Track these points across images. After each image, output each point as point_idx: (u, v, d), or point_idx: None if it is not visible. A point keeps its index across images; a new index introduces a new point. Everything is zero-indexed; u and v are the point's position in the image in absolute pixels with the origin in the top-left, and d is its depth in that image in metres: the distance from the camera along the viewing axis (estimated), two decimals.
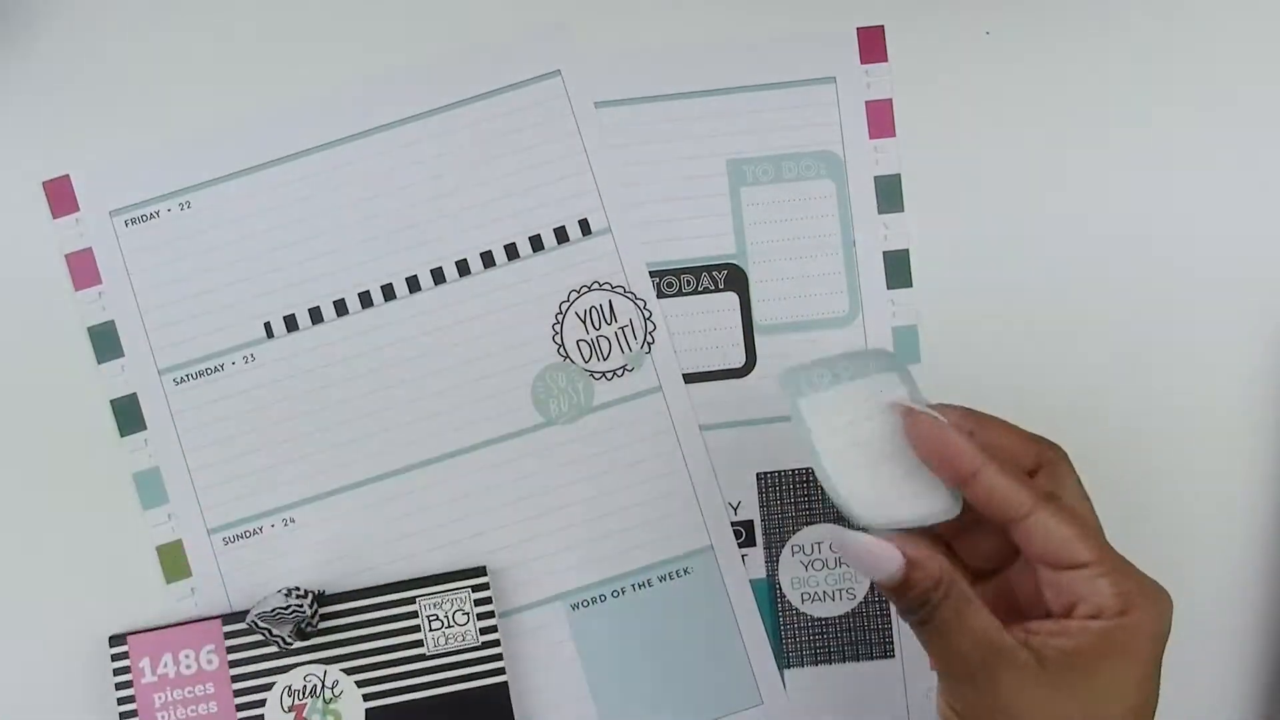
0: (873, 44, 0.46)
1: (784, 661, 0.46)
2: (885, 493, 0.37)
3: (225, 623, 0.45)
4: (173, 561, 0.46)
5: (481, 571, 0.45)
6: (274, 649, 0.45)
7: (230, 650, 0.45)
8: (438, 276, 0.46)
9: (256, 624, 0.43)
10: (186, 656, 0.45)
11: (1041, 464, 0.38)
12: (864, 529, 0.36)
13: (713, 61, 0.46)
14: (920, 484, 0.37)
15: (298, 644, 0.44)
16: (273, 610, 0.43)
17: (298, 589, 0.44)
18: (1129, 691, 0.35)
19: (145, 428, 0.46)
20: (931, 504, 0.37)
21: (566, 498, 0.46)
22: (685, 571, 0.46)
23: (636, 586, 0.46)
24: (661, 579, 0.46)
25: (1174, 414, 0.47)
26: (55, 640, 0.46)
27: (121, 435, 0.46)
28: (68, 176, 0.46)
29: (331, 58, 0.46)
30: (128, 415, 0.46)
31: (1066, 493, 0.37)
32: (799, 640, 0.46)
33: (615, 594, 0.46)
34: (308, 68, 0.46)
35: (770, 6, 0.46)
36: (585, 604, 0.46)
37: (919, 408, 0.37)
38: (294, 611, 0.43)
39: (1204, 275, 0.47)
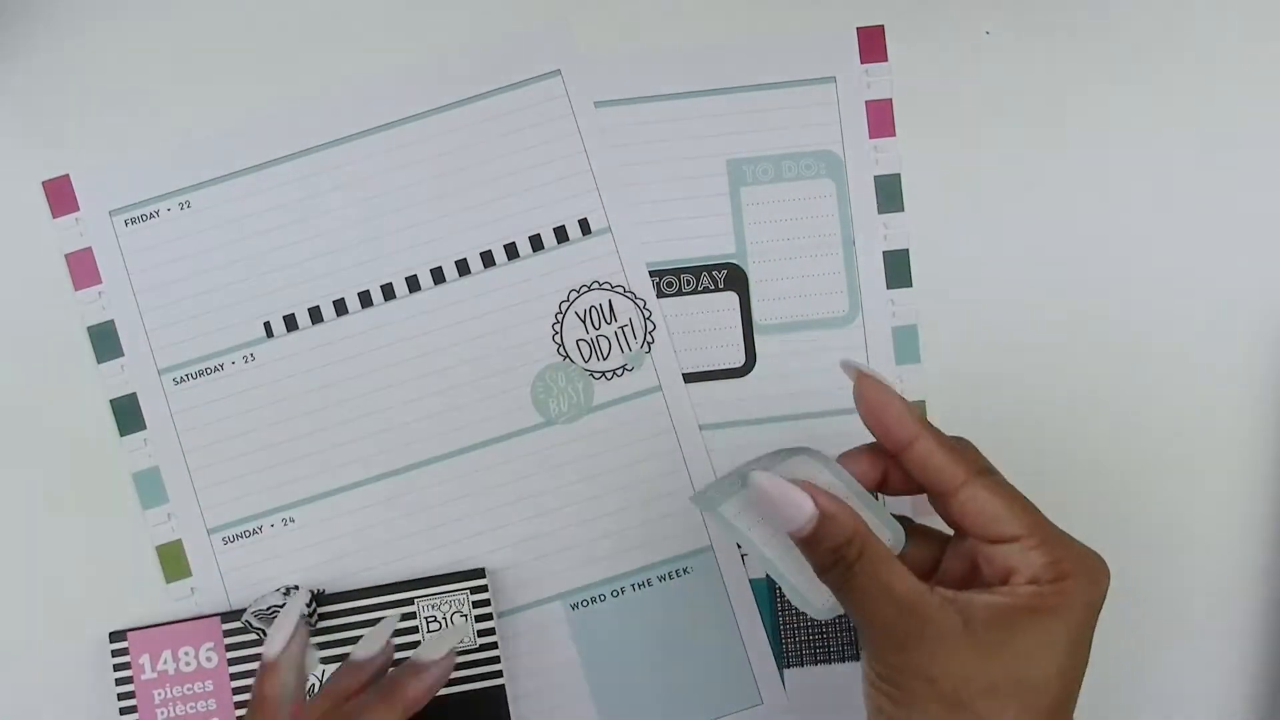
0: (873, 44, 0.46)
1: (784, 661, 0.46)
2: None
3: (224, 620, 0.45)
4: (173, 561, 0.46)
5: (480, 574, 0.45)
6: None
7: (229, 648, 0.45)
8: (437, 276, 0.46)
9: (250, 623, 0.43)
10: (186, 654, 0.45)
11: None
12: (826, 618, 0.36)
13: (713, 61, 0.46)
14: None
15: None
16: (269, 608, 0.43)
17: (296, 587, 0.44)
18: (1057, 654, 0.34)
19: (145, 427, 0.46)
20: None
21: (566, 498, 0.46)
22: (685, 571, 0.46)
23: (636, 586, 0.46)
24: (661, 579, 0.46)
25: (1173, 414, 0.47)
26: (56, 638, 0.46)
27: (121, 435, 0.46)
28: (68, 176, 0.46)
29: (332, 57, 0.46)
30: (127, 415, 0.46)
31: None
32: (799, 640, 0.46)
33: (615, 594, 0.46)
34: (308, 67, 0.46)
35: (770, 6, 0.46)
36: (585, 604, 0.46)
37: (868, 371, 0.37)
38: None
39: (1204, 275, 0.47)
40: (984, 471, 0.36)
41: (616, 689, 0.46)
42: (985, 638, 0.34)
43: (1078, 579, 0.35)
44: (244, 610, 0.44)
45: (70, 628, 0.46)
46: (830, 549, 0.34)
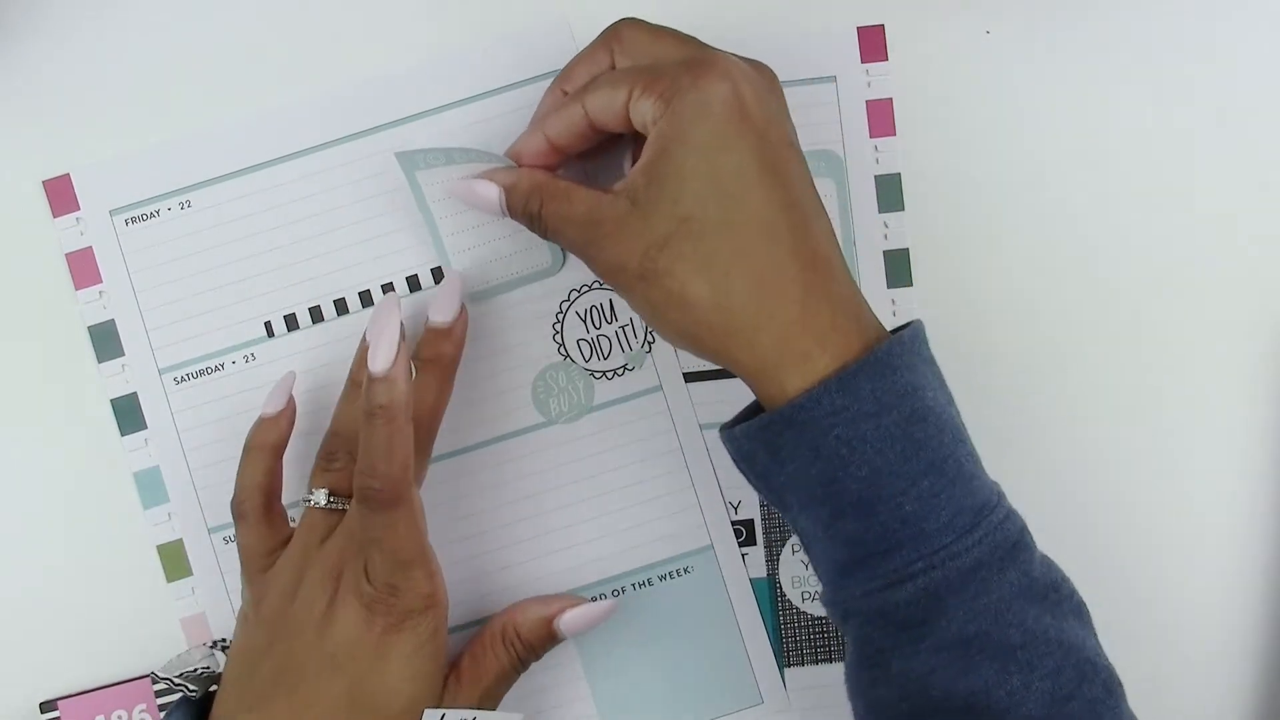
0: (873, 43, 0.46)
1: (784, 661, 0.46)
2: (490, 253, 0.44)
3: (154, 681, 0.45)
4: (173, 561, 0.46)
5: None
6: None
7: (162, 709, 0.45)
8: (437, 275, 0.46)
9: (173, 682, 0.41)
10: (119, 717, 0.45)
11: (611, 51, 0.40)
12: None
13: None
14: (521, 247, 0.44)
15: None
16: (188, 666, 0.42)
17: (223, 640, 0.43)
18: (702, 170, 0.36)
19: (145, 427, 0.46)
20: (528, 263, 0.45)
21: (566, 498, 0.46)
22: (685, 571, 0.46)
23: (636, 586, 0.46)
24: (661, 579, 0.46)
25: (1173, 412, 0.47)
26: (55, 637, 0.46)
27: (122, 434, 0.46)
28: (68, 176, 0.46)
29: (332, 57, 0.46)
30: (128, 414, 0.46)
31: (622, 59, 0.40)
32: (799, 639, 0.46)
33: (615, 594, 0.46)
34: (308, 67, 0.46)
35: (770, 6, 0.46)
36: None
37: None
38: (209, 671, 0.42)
39: (1204, 275, 0.47)
40: (587, 87, 0.39)
41: (616, 689, 0.46)
42: (645, 204, 0.36)
43: (680, 94, 0.36)
44: (167, 668, 0.43)
45: (69, 627, 0.46)
46: (522, 212, 0.40)
